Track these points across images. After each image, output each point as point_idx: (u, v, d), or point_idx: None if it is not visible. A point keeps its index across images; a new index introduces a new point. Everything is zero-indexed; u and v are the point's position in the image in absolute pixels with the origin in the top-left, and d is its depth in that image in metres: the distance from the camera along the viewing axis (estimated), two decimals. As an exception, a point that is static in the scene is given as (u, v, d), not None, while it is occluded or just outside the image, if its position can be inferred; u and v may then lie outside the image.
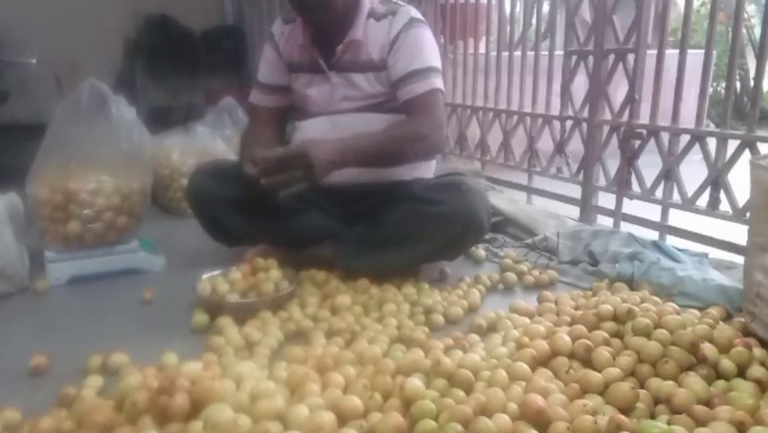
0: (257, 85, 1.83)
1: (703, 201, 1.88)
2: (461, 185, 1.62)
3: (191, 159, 2.39)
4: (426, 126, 1.59)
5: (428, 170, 1.80)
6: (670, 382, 1.04)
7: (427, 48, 1.65)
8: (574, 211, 2.34)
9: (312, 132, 1.70)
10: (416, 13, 1.68)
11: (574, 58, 2.30)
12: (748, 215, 1.57)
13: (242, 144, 1.78)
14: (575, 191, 2.35)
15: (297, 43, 1.72)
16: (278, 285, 1.52)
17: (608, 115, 2.20)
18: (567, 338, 1.17)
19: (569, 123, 2.36)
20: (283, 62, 1.77)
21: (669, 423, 0.94)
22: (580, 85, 2.33)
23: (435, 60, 1.66)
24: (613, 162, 2.19)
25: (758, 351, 1.13)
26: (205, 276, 1.56)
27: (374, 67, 1.66)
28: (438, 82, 1.63)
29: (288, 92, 1.80)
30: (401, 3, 1.72)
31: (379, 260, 1.61)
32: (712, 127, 2.06)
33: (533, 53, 2.54)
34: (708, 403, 0.99)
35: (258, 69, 1.83)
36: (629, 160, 2.09)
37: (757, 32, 2.38)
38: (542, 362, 1.14)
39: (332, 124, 1.68)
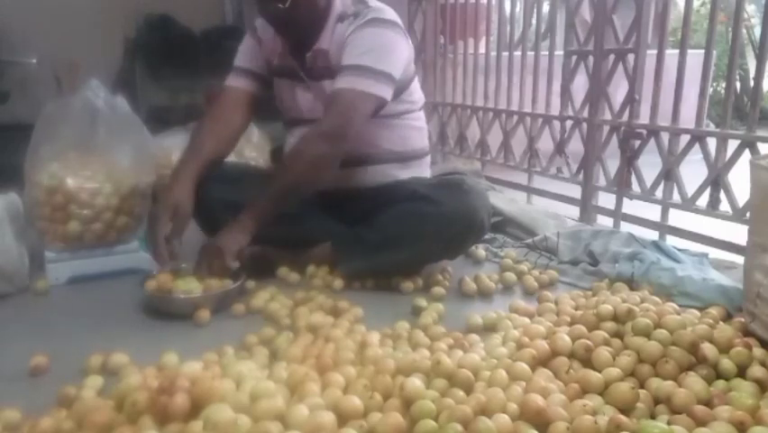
0: (233, 70, 1.73)
1: (703, 201, 1.88)
2: (462, 185, 1.62)
3: (191, 159, 2.39)
4: (323, 140, 1.50)
5: (423, 168, 1.79)
6: (670, 382, 1.04)
7: (376, 48, 1.52)
8: (574, 211, 2.34)
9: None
10: (381, 14, 1.57)
11: (574, 58, 2.30)
12: (748, 215, 1.57)
13: (196, 134, 1.67)
14: (575, 191, 2.35)
15: (276, 48, 1.68)
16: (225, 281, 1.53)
17: (608, 115, 2.20)
18: (567, 338, 1.17)
19: (569, 123, 2.36)
20: (263, 56, 1.72)
21: (669, 423, 0.94)
22: (580, 85, 2.33)
23: (377, 62, 1.51)
24: (613, 162, 2.19)
25: (758, 351, 1.13)
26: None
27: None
28: (363, 83, 1.49)
29: (262, 83, 1.73)
30: (371, 3, 1.61)
31: (380, 261, 1.61)
32: (712, 127, 2.06)
33: (533, 53, 2.54)
34: (708, 403, 0.99)
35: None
36: (629, 160, 2.09)
37: (757, 32, 2.38)
38: (542, 362, 1.14)
39: None
